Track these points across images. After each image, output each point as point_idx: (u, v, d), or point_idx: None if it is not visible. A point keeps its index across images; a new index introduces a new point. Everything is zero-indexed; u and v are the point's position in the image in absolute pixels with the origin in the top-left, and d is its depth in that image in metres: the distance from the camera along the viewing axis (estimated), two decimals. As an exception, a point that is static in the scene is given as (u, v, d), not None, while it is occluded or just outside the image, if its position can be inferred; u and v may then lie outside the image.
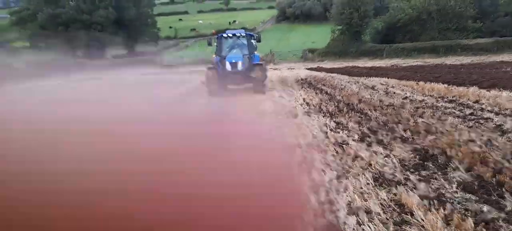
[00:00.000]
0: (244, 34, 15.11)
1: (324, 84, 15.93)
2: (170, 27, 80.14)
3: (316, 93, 13.49)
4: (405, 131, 6.83)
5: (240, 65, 13.96)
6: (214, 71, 14.28)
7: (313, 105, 10.77)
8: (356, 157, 5.64)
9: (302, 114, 9.40)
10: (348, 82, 16.31)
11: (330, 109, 9.78)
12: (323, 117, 8.97)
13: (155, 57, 49.36)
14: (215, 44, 15.40)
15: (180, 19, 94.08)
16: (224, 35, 15.07)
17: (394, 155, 5.61)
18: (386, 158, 5.52)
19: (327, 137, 6.94)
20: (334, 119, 8.57)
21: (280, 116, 9.42)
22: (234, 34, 15.13)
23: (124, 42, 63.29)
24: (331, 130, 7.53)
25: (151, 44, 71.22)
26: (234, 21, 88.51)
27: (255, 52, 15.56)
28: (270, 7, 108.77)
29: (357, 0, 36.56)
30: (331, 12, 39.99)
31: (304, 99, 12.02)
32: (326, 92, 13.30)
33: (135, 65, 41.72)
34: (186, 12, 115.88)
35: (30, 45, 70.82)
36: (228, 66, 14.04)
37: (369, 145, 6.25)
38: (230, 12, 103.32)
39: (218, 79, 14.01)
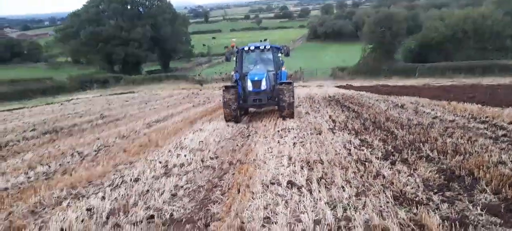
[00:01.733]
0: (269, 47, 12.66)
1: (351, 102, 15.69)
2: (204, 45, 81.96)
3: (343, 110, 13.33)
4: (431, 150, 6.62)
5: (264, 84, 11.56)
6: (233, 91, 11.68)
7: (339, 122, 10.65)
8: (377, 174, 5.52)
9: (327, 131, 9.32)
10: (377, 100, 15.98)
11: (355, 127, 9.63)
12: (348, 134, 8.85)
13: (188, 73, 50.53)
14: (235, 59, 12.92)
15: (214, 37, 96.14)
16: (246, 48, 12.51)
17: (418, 174, 5.45)
18: (409, 177, 5.37)
19: (350, 154, 6.84)
20: (359, 137, 8.43)
21: (305, 132, 9.37)
22: (257, 47, 12.57)
23: (159, 58, 65.38)
24: (355, 147, 7.42)
25: (185, 60, 73.16)
26: (265, 39, 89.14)
27: (283, 68, 13.08)
28: (301, 26, 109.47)
29: (389, 18, 36.07)
30: (362, 30, 39.54)
31: (330, 117, 11.90)
32: (353, 110, 13.10)
33: (168, 81, 42.90)
34: (219, 30, 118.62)
35: (72, 61, 74.69)
36: (249, 85, 11.68)
37: (393, 163, 6.11)
38: (262, 31, 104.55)
39: (237, 100, 11.64)
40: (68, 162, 7.80)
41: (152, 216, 4.47)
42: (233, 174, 6.20)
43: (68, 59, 76.40)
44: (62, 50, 72.00)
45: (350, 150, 7.17)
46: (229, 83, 14.32)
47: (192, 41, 73.20)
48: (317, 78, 39.17)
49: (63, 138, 11.14)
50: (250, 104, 12.36)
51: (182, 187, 5.61)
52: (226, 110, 11.80)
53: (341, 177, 5.52)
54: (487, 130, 8.15)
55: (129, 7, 61.18)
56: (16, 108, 23.28)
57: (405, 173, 5.57)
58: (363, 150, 7.10)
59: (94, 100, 26.75)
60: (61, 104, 25.28)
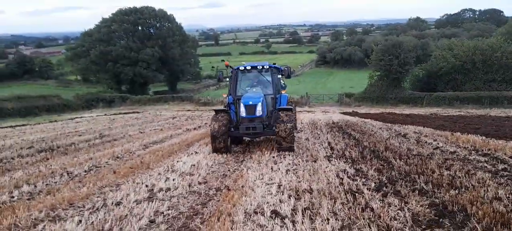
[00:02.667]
0: (268, 67, 11.11)
1: (354, 130, 15.43)
2: (212, 67, 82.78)
3: (344, 138, 13.08)
4: (427, 183, 6.34)
5: (259, 110, 10.03)
6: (223, 117, 10.29)
7: (337, 150, 10.42)
8: (366, 207, 5.27)
9: (323, 159, 9.09)
10: (380, 128, 15.70)
11: (353, 155, 9.39)
12: (344, 162, 8.61)
13: (194, 95, 50.79)
14: (228, 79, 11.42)
15: (222, 60, 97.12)
16: (241, 67, 11.15)
17: (408, 208, 5.19)
18: (399, 211, 5.11)
19: (342, 184, 6.59)
20: (355, 166, 8.18)
21: (300, 159, 9.14)
22: (254, 67, 11.18)
23: (167, 79, 66.01)
24: (348, 176, 7.17)
25: (192, 82, 73.80)
26: (274, 64, 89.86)
27: (283, 92, 11.78)
28: (311, 52, 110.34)
29: (397, 47, 36.02)
30: (370, 58, 39.57)
31: (329, 143, 11.67)
32: (354, 138, 12.85)
33: (174, 102, 43.11)
34: (229, 53, 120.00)
35: (82, 79, 75.82)
36: (242, 111, 10.14)
37: (385, 195, 5.84)
38: (271, 55, 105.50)
39: (226, 128, 10.16)
40: (56, 182, 7.66)
41: (122, 244, 4.26)
42: (218, 200, 5.99)
43: (78, 77, 77.55)
44: (72, 68, 73.13)
45: (342, 179, 6.92)
46: (220, 107, 12.51)
47: (201, 63, 73.97)
48: (324, 104, 39.09)
49: (57, 156, 11.05)
50: (243, 133, 10.42)
51: (162, 213, 5.41)
52: (213, 140, 10.15)
53: (328, 208, 5.28)
54: (487, 163, 7.85)
55: (140, 28, 62.33)
56: (19, 125, 23.44)
57: (395, 206, 5.31)
58: (356, 180, 6.85)
59: (97, 120, 26.85)
60: (64, 122, 25.40)
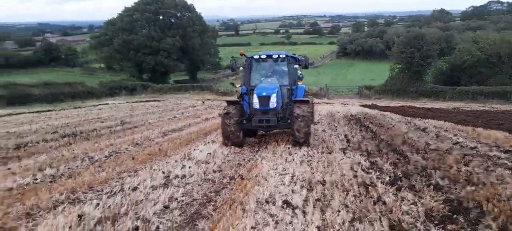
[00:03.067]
0: (284, 56, 10.50)
1: (372, 122, 15.24)
2: (232, 57, 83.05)
3: (361, 130, 12.96)
4: (443, 178, 6.26)
5: (273, 101, 9.46)
6: (235, 109, 9.85)
7: (353, 142, 10.34)
8: (378, 200, 5.26)
9: (338, 151, 9.06)
10: (399, 122, 15.45)
11: (369, 148, 9.31)
12: (360, 155, 8.56)
13: (214, 84, 51.12)
14: (242, 69, 11.13)
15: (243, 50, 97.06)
16: (256, 56, 10.69)
17: (422, 203, 5.15)
18: (412, 206, 5.07)
19: (355, 176, 6.58)
20: (370, 158, 8.13)
21: (315, 150, 9.14)
22: (270, 56, 10.62)
23: (187, 69, 66.62)
24: (362, 169, 7.14)
25: (212, 72, 74.21)
26: (294, 54, 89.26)
27: (300, 83, 11.08)
28: (331, 43, 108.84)
29: (419, 39, 35.07)
30: (392, 50, 38.70)
31: (345, 136, 11.59)
32: (372, 131, 12.72)
33: (194, 91, 43.53)
34: (248, 44, 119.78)
35: (105, 67, 77.45)
36: (255, 102, 9.63)
37: (398, 189, 5.81)
38: (291, 46, 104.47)
39: (238, 120, 9.73)
40: (77, 166, 7.93)
41: (136, 228, 4.42)
42: (232, 189, 6.09)
43: (102, 65, 79.17)
44: (96, 56, 74.68)
45: (356, 172, 6.90)
46: (233, 98, 12.11)
47: (220, 53, 74.25)
48: (343, 96, 38.61)
49: (80, 142, 11.40)
50: (255, 126, 9.87)
51: (176, 199, 5.55)
52: (224, 132, 9.82)
53: (340, 200, 5.30)
54: (508, 160, 7.66)
55: (161, 17, 62.93)
56: (45, 111, 24.16)
57: (408, 201, 5.27)
58: (370, 173, 6.82)
59: (120, 107, 27.43)
60: (88, 109, 26.07)
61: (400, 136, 11.27)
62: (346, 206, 5.09)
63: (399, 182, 6.16)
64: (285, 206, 5.11)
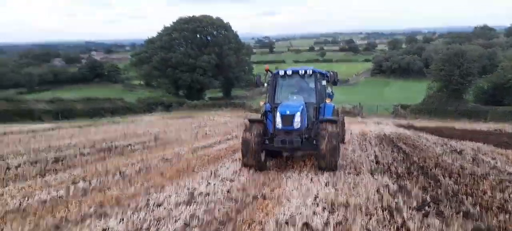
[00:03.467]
0: (311, 72, 9.90)
1: (405, 143, 14.77)
2: (256, 73, 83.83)
3: (392, 151, 12.59)
4: (474, 205, 5.96)
5: (297, 120, 8.84)
6: (257, 128, 9.14)
7: (383, 164, 10.07)
8: (402, 226, 5.09)
9: (366, 172, 8.85)
10: (434, 143, 14.86)
11: (399, 171, 9.03)
12: (388, 177, 8.31)
13: (247, 101, 51.72)
14: (267, 85, 10.53)
15: (276, 67, 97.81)
16: (281, 72, 10.19)
17: (449, 231, 4.91)
18: (439, 234, 4.85)
19: (381, 200, 6.40)
20: (399, 182, 7.88)
21: (342, 171, 8.98)
22: (296, 72, 10.04)
23: (222, 86, 67.94)
24: (389, 193, 6.93)
25: (246, 89, 75.13)
26: (328, 71, 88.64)
27: (328, 101, 10.40)
28: (366, 60, 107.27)
29: (459, 56, 33.81)
30: (430, 67, 37.57)
31: (375, 157, 11.30)
32: (404, 152, 12.32)
33: (227, 108, 44.19)
34: (283, 61, 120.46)
35: (145, 84, 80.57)
36: (278, 121, 9.04)
37: (426, 215, 5.59)
38: (325, 63, 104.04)
39: (260, 141, 8.98)
40: (108, 181, 8.23)
41: (156, 244, 4.53)
42: (253, 209, 6.10)
43: (142, 82, 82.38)
44: (136, 73, 77.85)
45: (382, 195, 6.70)
46: (255, 116, 11.61)
47: (255, 71, 75.18)
48: (378, 115, 37.77)
49: (114, 156, 11.85)
50: (278, 147, 9.13)
51: (198, 217, 5.63)
52: (244, 153, 9.11)
53: (362, 224, 5.17)
54: (550, 188, 7.15)
55: (198, 36, 64.91)
56: (86, 125, 25.40)
57: (435, 228, 5.06)
58: (397, 197, 6.59)
59: (155, 123, 28.32)
60: (125, 124, 27.12)
61: (433, 158, 10.84)
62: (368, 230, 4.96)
63: (426, 208, 5.92)
64: (304, 228, 5.05)
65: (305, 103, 9.59)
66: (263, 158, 9.36)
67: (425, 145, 14.20)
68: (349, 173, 8.81)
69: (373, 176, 8.42)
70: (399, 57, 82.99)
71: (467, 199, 6.31)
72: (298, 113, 8.90)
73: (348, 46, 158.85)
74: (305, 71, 9.93)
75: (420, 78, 62.16)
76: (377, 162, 10.38)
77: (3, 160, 10.25)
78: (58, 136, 17.87)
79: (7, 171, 9.08)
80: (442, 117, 32.80)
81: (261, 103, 10.58)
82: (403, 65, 78.99)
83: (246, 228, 5.06)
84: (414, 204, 6.17)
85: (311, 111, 9.80)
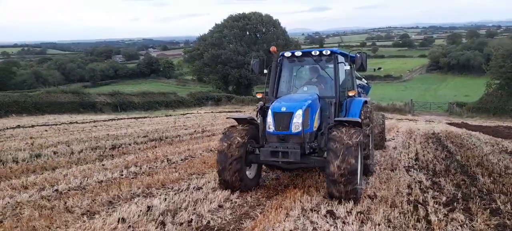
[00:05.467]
0: (329, 53, 7.38)
1: (452, 142, 14.27)
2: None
3: (436, 149, 12.31)
4: (505, 203, 5.91)
5: (297, 122, 6.20)
6: (238, 134, 6.59)
7: (422, 161, 9.99)
8: (424, 219, 5.24)
9: (402, 168, 8.89)
10: (485, 143, 14.20)
11: (437, 168, 8.96)
12: (424, 174, 8.32)
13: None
14: (267, 71, 7.89)
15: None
16: (287, 53, 7.69)
17: (471, 226, 5.02)
18: (460, 227, 4.98)
19: (410, 194, 6.53)
20: (434, 178, 7.88)
21: (378, 166, 9.08)
22: (307, 53, 7.68)
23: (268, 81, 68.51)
24: (420, 188, 7.01)
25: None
26: (379, 68, 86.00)
27: (352, 93, 7.47)
28: (422, 56, 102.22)
29: (523, 52, 31.48)
30: (489, 64, 35.25)
31: (416, 154, 11.18)
32: (449, 150, 12.00)
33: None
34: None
35: (196, 79, 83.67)
36: (269, 123, 6.44)
37: (452, 210, 5.67)
38: (377, 59, 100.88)
39: (243, 150, 6.43)
40: (156, 166, 9.08)
41: (190, 220, 5.13)
42: (283, 196, 6.51)
43: (194, 77, 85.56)
44: (188, 69, 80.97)
45: (412, 190, 6.81)
46: (243, 115, 9.06)
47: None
48: (430, 113, 36.24)
49: (163, 146, 12.83)
50: (265, 160, 6.51)
51: (231, 200, 6.17)
52: (219, 168, 6.51)
53: (384, 215, 5.39)
54: None
55: (247, 33, 65.97)
56: (141, 117, 27.20)
57: (458, 222, 5.16)
58: (427, 192, 6.68)
59: (204, 116, 29.56)
60: (176, 117, 28.62)
61: (477, 157, 10.52)
62: (389, 221, 5.18)
63: (455, 204, 5.98)
64: (328, 215, 5.38)
65: (320, 97, 7.06)
66: (251, 173, 6.92)
67: (474, 144, 13.67)
68: (384, 169, 8.90)
69: (408, 173, 8.47)
70: (458, 53, 78.25)
71: (499, 197, 6.25)
72: (300, 112, 6.18)
73: (402, 41, 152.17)
74: (321, 52, 7.44)
75: (481, 75, 58.14)
76: (416, 159, 10.31)
77: (68, 146, 11.56)
78: (116, 126, 19.45)
79: (71, 155, 10.30)
80: (502, 116, 30.75)
81: (258, 95, 7.77)
82: (463, 61, 74.40)
83: (273, 211, 5.49)
84: (443, 199, 6.24)
85: (330, 109, 7.16)
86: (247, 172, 6.79)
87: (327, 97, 7.24)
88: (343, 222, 5.09)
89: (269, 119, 6.43)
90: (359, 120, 6.61)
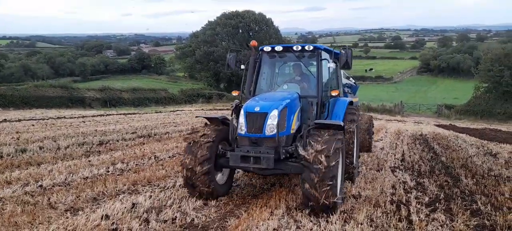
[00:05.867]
0: (312, 49, 6.87)
1: (439, 143, 14.47)
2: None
3: (423, 150, 12.47)
4: (486, 204, 6.03)
5: (272, 124, 5.67)
6: (206, 136, 6.01)
7: (408, 162, 10.12)
8: (405, 219, 5.32)
9: (388, 169, 8.99)
10: (471, 145, 14.43)
11: (421, 169, 9.08)
12: (409, 175, 8.43)
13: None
14: (244, 68, 7.37)
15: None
16: (267, 48, 7.16)
17: (451, 226, 5.11)
18: (440, 227, 5.07)
19: (393, 194, 6.61)
20: (419, 179, 8.00)
21: (365, 167, 9.18)
22: (288, 48, 7.05)
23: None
24: (404, 189, 7.11)
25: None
26: (371, 69, 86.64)
27: (341, 93, 7.69)
28: (413, 58, 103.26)
29: (510, 57, 31.95)
30: (478, 67, 35.79)
31: (402, 155, 11.32)
32: (435, 152, 12.17)
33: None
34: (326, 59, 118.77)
35: (188, 76, 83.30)
36: (241, 123, 5.89)
37: (434, 210, 5.77)
38: (369, 60, 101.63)
39: (210, 154, 5.84)
40: (143, 163, 9.04)
41: (174, 218, 5.13)
42: (269, 194, 6.55)
43: (185, 74, 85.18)
44: (179, 66, 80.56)
45: (396, 190, 6.90)
46: (216, 114, 8.68)
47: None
48: (419, 115, 36.67)
49: (152, 142, 12.77)
50: (235, 165, 5.90)
51: (217, 198, 6.19)
52: (185, 174, 5.87)
53: (367, 214, 5.46)
54: None
55: (240, 31, 65.91)
56: (130, 113, 27.00)
57: (438, 222, 5.25)
58: (411, 193, 6.78)
59: (194, 113, 29.46)
60: (166, 114, 28.49)
61: (462, 159, 10.68)
62: (371, 220, 5.25)
63: (437, 204, 6.08)
64: (311, 214, 5.42)
65: (301, 96, 6.61)
66: (222, 178, 6.33)
67: (459, 146, 13.88)
68: (370, 169, 8.99)
69: (393, 173, 8.57)
70: (449, 56, 79.25)
71: (480, 198, 6.37)
72: (275, 112, 5.62)
73: (394, 43, 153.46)
74: (303, 48, 6.92)
75: (470, 78, 58.99)
76: (402, 160, 10.43)
77: (54, 141, 11.43)
78: (104, 122, 19.28)
79: (57, 150, 10.20)
80: (489, 119, 31.27)
81: (234, 93, 7.33)
82: (453, 64, 75.34)
83: (257, 209, 5.52)
84: (426, 199, 6.34)
85: (310, 110, 6.50)
86: (218, 177, 6.21)
87: (309, 97, 6.70)
88: (326, 221, 5.14)
89: (241, 119, 5.85)
90: (341, 124, 5.88)
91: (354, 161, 7.40)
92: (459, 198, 6.44)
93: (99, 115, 24.04)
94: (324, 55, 7.11)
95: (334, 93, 6.83)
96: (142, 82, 64.05)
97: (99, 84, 47.53)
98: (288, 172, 6.00)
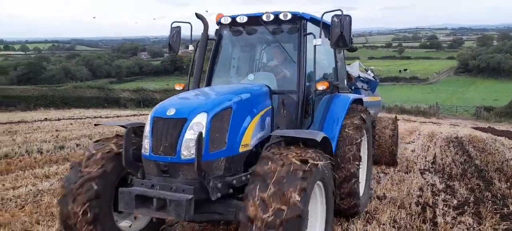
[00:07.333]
0: (291, 17, 4.58)
1: (474, 146, 13.89)
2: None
3: (456, 153, 12.03)
4: (518, 209, 5.78)
5: (188, 142, 3.26)
6: (105, 154, 3.64)
7: (439, 164, 9.82)
8: (430, 221, 5.22)
9: (417, 171, 8.78)
10: (509, 149, 13.75)
11: (453, 172, 8.80)
12: (439, 177, 8.20)
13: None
14: (194, 49, 5.36)
15: (348, 64, 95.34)
16: (225, 20, 5.03)
17: (479, 230, 4.97)
18: (466, 230, 4.92)
19: (420, 196, 6.48)
20: (448, 182, 7.77)
21: (392, 168, 9.01)
22: (255, 17, 4.82)
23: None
24: (432, 191, 6.94)
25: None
26: (405, 69, 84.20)
27: (327, 86, 4.55)
28: (450, 58, 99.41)
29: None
30: (520, 67, 34.05)
31: (434, 157, 10.98)
32: (469, 155, 11.71)
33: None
34: (357, 58, 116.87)
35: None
36: (146, 137, 3.47)
37: (461, 213, 5.61)
38: (403, 60, 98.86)
39: (105, 181, 3.52)
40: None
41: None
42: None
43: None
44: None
45: (423, 192, 6.76)
46: (128, 121, 6.93)
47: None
48: (456, 117, 35.29)
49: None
50: (127, 209, 3.34)
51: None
52: (61, 212, 3.57)
53: (390, 215, 5.40)
54: None
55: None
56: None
57: (465, 225, 5.12)
58: (439, 195, 6.61)
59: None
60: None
61: (497, 162, 10.24)
62: (394, 221, 5.19)
63: (465, 207, 5.90)
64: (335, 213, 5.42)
65: (274, 92, 4.55)
66: (131, 225, 4.03)
67: (496, 149, 13.28)
68: (398, 171, 8.81)
69: (422, 175, 8.37)
70: (489, 55, 75.58)
71: (513, 203, 6.12)
72: (200, 118, 3.40)
73: (430, 42, 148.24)
74: (277, 17, 4.67)
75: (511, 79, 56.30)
76: (433, 163, 10.15)
77: (90, 139, 12.03)
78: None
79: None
80: (532, 122, 29.65)
81: (177, 86, 5.47)
82: (493, 64, 71.82)
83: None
84: (454, 202, 6.17)
85: (289, 111, 4.67)
86: (122, 225, 3.88)
87: (287, 93, 4.71)
88: (348, 221, 5.14)
89: (147, 130, 3.54)
90: (318, 139, 3.54)
91: (357, 191, 4.87)
92: (489, 201, 6.22)
93: (133, 115, 24.92)
94: (310, 28, 4.82)
95: (319, 86, 4.54)
96: (174, 83, 65.62)
97: (134, 85, 49.20)
98: (230, 218, 3.49)
